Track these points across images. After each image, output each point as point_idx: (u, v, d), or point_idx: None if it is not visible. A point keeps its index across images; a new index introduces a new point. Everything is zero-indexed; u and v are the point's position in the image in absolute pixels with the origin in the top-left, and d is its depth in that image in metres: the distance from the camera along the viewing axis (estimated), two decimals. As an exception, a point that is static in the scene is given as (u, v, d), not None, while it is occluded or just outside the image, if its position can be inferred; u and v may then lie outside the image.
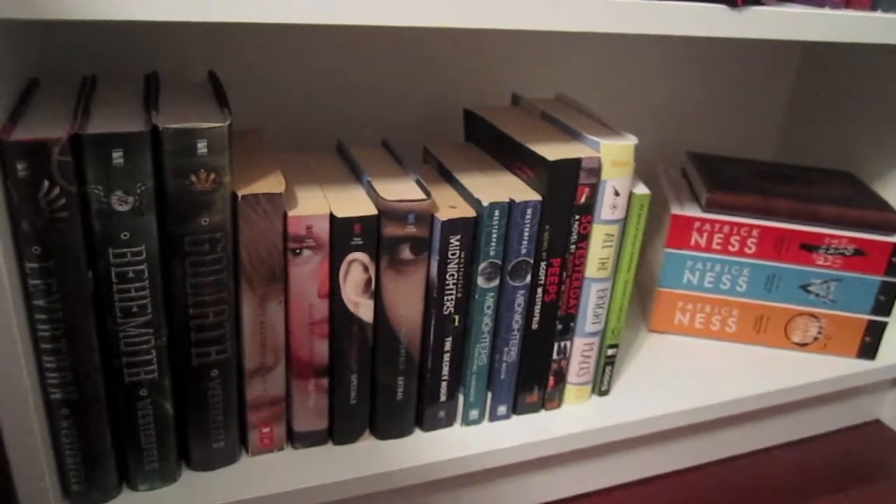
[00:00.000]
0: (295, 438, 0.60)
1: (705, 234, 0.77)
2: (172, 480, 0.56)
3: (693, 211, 0.77)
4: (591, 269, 0.62)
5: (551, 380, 0.66)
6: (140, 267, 0.48)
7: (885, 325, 0.78)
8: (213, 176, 0.48)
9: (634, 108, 0.93)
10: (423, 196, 0.55)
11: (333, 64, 0.76)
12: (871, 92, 0.88)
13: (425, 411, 0.62)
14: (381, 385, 0.60)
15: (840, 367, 0.78)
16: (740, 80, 0.97)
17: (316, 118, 0.78)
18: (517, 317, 0.61)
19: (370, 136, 0.81)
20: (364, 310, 0.56)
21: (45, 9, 0.37)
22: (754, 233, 0.76)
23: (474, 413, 0.64)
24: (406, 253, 0.56)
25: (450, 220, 0.56)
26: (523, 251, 0.59)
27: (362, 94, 0.78)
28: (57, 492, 0.52)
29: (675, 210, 0.77)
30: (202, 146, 0.47)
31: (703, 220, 0.77)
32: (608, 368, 0.68)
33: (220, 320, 0.52)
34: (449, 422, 0.64)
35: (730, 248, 0.77)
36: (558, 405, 0.68)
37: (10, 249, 0.44)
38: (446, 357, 0.60)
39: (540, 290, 0.61)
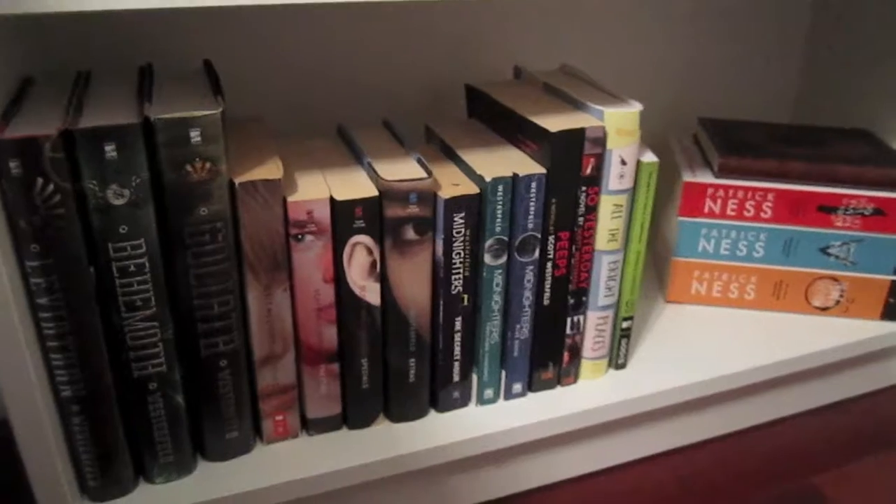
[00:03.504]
0: (309, 425, 0.59)
1: (719, 201, 0.75)
2: (188, 472, 0.56)
3: (705, 177, 0.75)
4: (601, 241, 0.61)
5: (566, 355, 0.65)
6: (141, 260, 0.48)
7: (908, 284, 0.76)
8: (209, 165, 0.47)
9: (643, 76, 0.91)
10: (424, 175, 0.54)
11: (331, 45, 0.75)
12: (887, 44, 0.85)
13: (439, 392, 0.62)
14: (393, 368, 0.59)
15: (864, 331, 0.76)
16: (750, 41, 0.95)
17: (316, 101, 0.77)
18: (527, 293, 0.60)
19: (372, 117, 0.80)
20: (371, 293, 0.56)
21: (33, 3, 0.37)
22: (769, 197, 0.74)
23: (489, 392, 0.63)
24: (410, 233, 0.55)
25: (453, 198, 0.55)
26: (530, 226, 0.58)
27: (362, 74, 0.77)
28: (74, 489, 0.52)
29: (687, 177, 0.75)
30: (196, 135, 0.46)
31: (716, 187, 0.75)
32: (624, 341, 0.67)
33: (226, 310, 0.52)
34: (464, 402, 0.63)
35: (745, 213, 0.75)
36: (574, 381, 0.67)
37: (9, 249, 0.44)
38: (457, 337, 0.60)
39: (549, 264, 0.60)
